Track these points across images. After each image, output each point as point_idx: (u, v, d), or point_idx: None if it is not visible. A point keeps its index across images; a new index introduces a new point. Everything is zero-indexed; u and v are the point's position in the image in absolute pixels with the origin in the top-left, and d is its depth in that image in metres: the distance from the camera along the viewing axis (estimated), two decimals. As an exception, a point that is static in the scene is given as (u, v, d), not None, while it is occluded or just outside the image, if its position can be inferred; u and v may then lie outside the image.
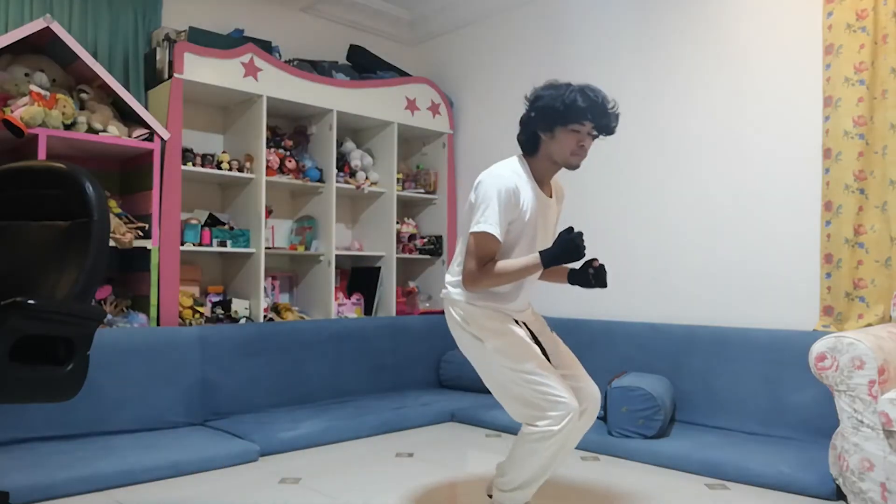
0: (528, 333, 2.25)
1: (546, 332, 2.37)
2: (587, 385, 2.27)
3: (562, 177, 2.46)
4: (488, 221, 2.08)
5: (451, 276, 2.28)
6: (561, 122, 2.09)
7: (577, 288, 2.22)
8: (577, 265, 2.21)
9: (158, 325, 3.52)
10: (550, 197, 2.28)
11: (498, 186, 2.10)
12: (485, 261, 2.10)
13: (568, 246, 2.03)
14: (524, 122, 2.21)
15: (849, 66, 3.11)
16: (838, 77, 3.14)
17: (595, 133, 2.14)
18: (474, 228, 2.10)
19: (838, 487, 2.46)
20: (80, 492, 2.51)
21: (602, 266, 2.14)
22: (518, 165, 2.20)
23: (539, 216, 2.19)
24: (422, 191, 4.90)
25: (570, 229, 2.05)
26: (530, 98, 2.20)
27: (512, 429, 3.55)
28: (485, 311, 2.18)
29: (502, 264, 2.10)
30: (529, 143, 2.21)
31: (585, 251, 2.04)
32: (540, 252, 2.07)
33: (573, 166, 2.17)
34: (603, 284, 2.13)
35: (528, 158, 2.23)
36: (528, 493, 2.21)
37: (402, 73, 4.87)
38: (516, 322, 2.23)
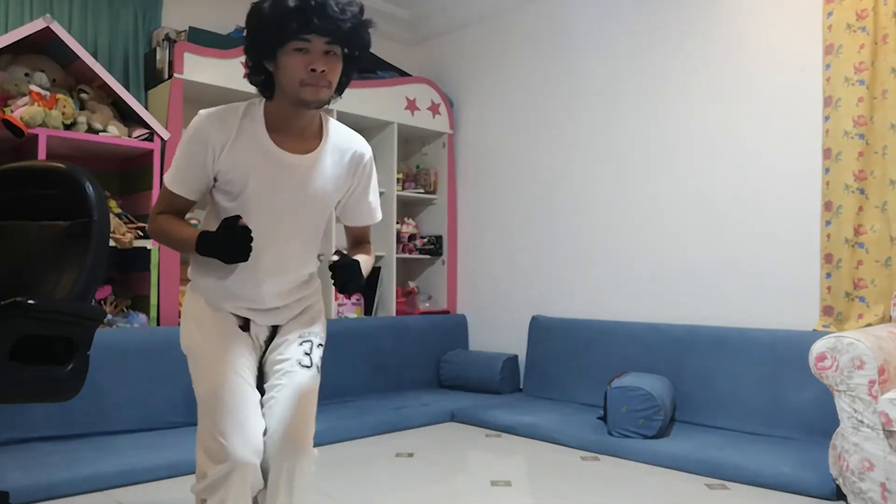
0: (260, 342, 1.73)
1: (294, 346, 1.71)
2: (284, 423, 1.57)
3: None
4: (170, 168, 1.64)
5: None
6: (278, 40, 1.51)
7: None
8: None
9: (158, 325, 3.52)
10: (306, 154, 1.65)
11: (189, 131, 1.61)
12: (163, 210, 1.67)
13: (222, 236, 1.50)
14: (245, 52, 1.65)
15: (849, 66, 3.11)
16: (838, 77, 3.14)
17: (337, 50, 1.55)
18: (167, 172, 1.67)
19: (838, 487, 2.46)
20: (80, 492, 2.51)
21: (340, 263, 1.56)
22: (240, 108, 1.65)
23: (263, 176, 1.61)
24: (422, 191, 4.90)
25: (237, 217, 1.50)
26: (246, 18, 1.59)
27: (512, 428, 3.56)
28: (197, 300, 1.70)
29: (166, 225, 1.65)
30: (261, 82, 1.64)
31: (247, 254, 1.50)
32: (201, 233, 1.55)
33: (308, 103, 1.56)
34: (342, 286, 1.56)
35: (268, 103, 1.65)
36: None
37: (402, 73, 4.87)
38: (239, 320, 1.70)
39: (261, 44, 1.56)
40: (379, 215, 1.95)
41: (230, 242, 1.49)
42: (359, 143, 1.79)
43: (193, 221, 3.87)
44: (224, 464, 1.49)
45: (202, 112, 1.62)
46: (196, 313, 1.70)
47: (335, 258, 1.57)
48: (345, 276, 1.56)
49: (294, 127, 1.64)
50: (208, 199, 1.73)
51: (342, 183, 1.75)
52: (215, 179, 1.64)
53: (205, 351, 1.64)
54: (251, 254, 1.51)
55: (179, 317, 1.77)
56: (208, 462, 1.52)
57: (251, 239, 1.49)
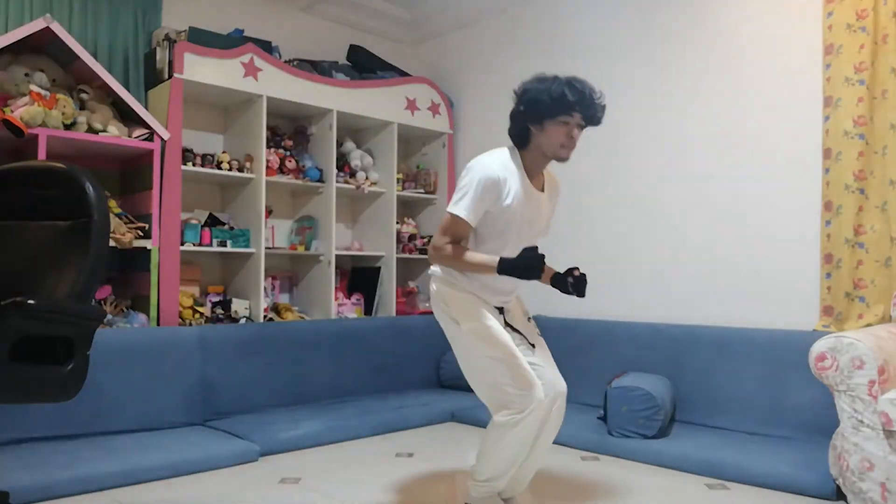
0: (504, 322, 2.30)
1: (523, 322, 2.40)
2: (555, 379, 2.28)
3: (561, 173, 2.46)
4: (463, 206, 2.12)
5: None
6: (550, 114, 2.12)
7: None
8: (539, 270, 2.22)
9: (158, 325, 3.52)
10: (542, 191, 2.29)
11: (481, 175, 2.13)
12: (452, 240, 2.16)
13: (525, 264, 2.06)
14: (514, 115, 2.22)
15: (849, 66, 3.11)
16: (838, 77, 3.15)
17: (583, 124, 2.17)
18: (450, 209, 2.15)
19: (838, 487, 2.46)
20: (80, 492, 2.51)
21: (583, 276, 2.16)
22: (508, 157, 2.21)
23: (526, 209, 2.20)
24: (422, 191, 4.90)
25: (535, 248, 2.07)
26: (518, 92, 2.20)
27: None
28: (461, 294, 2.23)
29: (465, 253, 2.15)
30: (520, 137, 2.22)
31: (540, 275, 2.06)
32: (501, 258, 2.09)
33: (563, 158, 2.19)
34: (581, 294, 2.15)
35: (520, 151, 2.23)
36: (498, 485, 2.25)
37: (402, 73, 4.87)
38: (495, 309, 2.28)
39: (533, 114, 2.14)
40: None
41: (533, 265, 2.04)
42: (557, 180, 2.43)
43: (194, 221, 3.87)
44: (529, 401, 2.09)
45: (492, 162, 2.16)
46: (465, 302, 2.21)
47: (578, 273, 2.15)
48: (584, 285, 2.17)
49: (539, 172, 2.27)
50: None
51: (551, 207, 2.41)
52: (487, 211, 2.16)
53: (486, 326, 2.17)
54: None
55: (435, 303, 2.32)
56: (505, 400, 2.12)
57: (544, 264, 2.05)
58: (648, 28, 3.93)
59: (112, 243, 3.29)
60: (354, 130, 4.81)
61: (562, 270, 2.22)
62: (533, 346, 2.34)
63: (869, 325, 2.98)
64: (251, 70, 3.92)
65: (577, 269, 2.16)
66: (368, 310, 4.55)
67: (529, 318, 2.44)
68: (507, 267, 2.07)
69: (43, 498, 2.42)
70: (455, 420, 3.86)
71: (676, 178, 3.79)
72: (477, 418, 3.75)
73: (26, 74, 3.31)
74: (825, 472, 2.53)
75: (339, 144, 4.55)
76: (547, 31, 4.46)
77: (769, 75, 3.44)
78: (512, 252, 2.15)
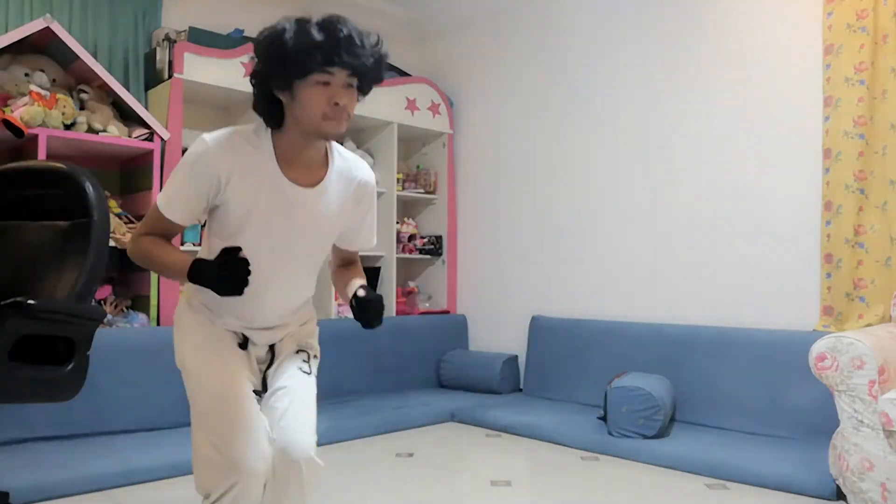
0: (246, 357, 1.67)
1: (290, 365, 1.70)
2: (293, 440, 1.54)
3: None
4: (163, 192, 1.58)
5: None
6: (299, 72, 1.46)
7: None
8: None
9: (158, 325, 3.52)
10: (313, 186, 1.61)
11: (192, 156, 1.53)
12: (149, 231, 1.61)
13: (214, 271, 1.43)
14: (252, 80, 1.56)
15: (849, 66, 3.11)
16: (838, 77, 3.15)
17: (355, 83, 1.51)
18: (159, 195, 1.60)
19: (838, 487, 2.46)
20: (80, 492, 2.51)
21: (371, 297, 1.60)
22: (247, 136, 1.57)
23: (275, 209, 1.58)
24: (422, 191, 4.90)
25: (235, 249, 1.43)
26: (254, 45, 1.55)
27: (512, 428, 3.56)
28: (194, 315, 1.67)
29: (152, 247, 1.58)
30: (268, 111, 1.56)
31: (241, 288, 1.42)
32: (196, 259, 1.51)
33: (330, 134, 1.54)
34: (366, 323, 1.59)
35: (275, 132, 1.59)
36: None
37: (402, 73, 4.87)
38: (238, 337, 1.67)
39: (278, 74, 1.49)
40: (374, 240, 1.89)
41: (226, 275, 1.41)
42: (363, 171, 1.75)
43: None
44: (233, 475, 1.45)
45: (207, 138, 1.54)
46: (191, 326, 1.66)
47: (361, 293, 1.60)
48: (372, 312, 1.59)
49: (303, 157, 1.60)
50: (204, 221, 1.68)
51: (347, 212, 1.72)
52: (214, 207, 1.58)
53: (203, 362, 1.60)
54: (250, 285, 1.43)
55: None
56: (212, 477, 1.48)
57: (248, 272, 1.42)
58: (648, 28, 3.93)
59: (112, 243, 3.29)
60: (354, 130, 4.81)
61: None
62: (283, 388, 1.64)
63: (869, 325, 2.98)
64: (251, 70, 3.92)
65: (362, 286, 1.63)
66: (368, 310, 4.54)
67: (304, 354, 1.73)
68: (200, 271, 1.47)
69: (43, 498, 2.42)
70: (455, 420, 3.86)
71: (676, 177, 3.78)
72: (477, 418, 3.75)
73: (26, 74, 3.31)
74: (825, 472, 2.53)
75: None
76: (547, 30, 4.46)
77: (769, 75, 3.44)
78: (265, 262, 1.57)
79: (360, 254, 1.90)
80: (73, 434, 3.00)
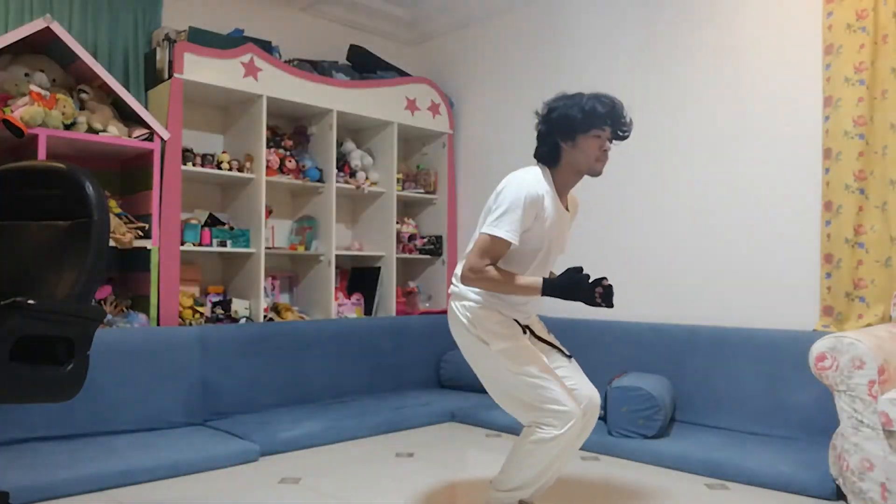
0: (533, 337, 2.31)
1: (546, 334, 2.40)
2: (587, 390, 2.27)
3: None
4: (505, 226, 2.07)
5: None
6: (583, 129, 2.12)
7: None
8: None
9: (158, 325, 3.52)
10: (567, 209, 2.29)
11: (523, 193, 2.08)
12: (490, 261, 2.10)
13: (573, 286, 2.04)
14: (542, 134, 2.20)
15: (849, 66, 3.11)
16: (838, 77, 3.14)
17: (612, 138, 2.19)
18: (490, 230, 2.08)
19: (838, 487, 2.46)
20: (80, 492, 2.51)
21: (610, 287, 2.08)
22: (541, 175, 2.18)
23: (555, 228, 2.19)
24: (422, 191, 4.90)
25: (580, 269, 2.05)
26: (545, 110, 2.20)
27: (512, 429, 3.55)
28: (492, 314, 2.19)
29: (505, 275, 2.09)
30: (550, 155, 2.19)
31: (588, 296, 2.04)
32: (544, 280, 2.08)
33: (597, 172, 2.19)
34: (610, 305, 2.08)
35: (550, 170, 2.21)
36: (523, 494, 2.23)
37: (402, 73, 4.87)
38: (521, 327, 2.25)
39: (564, 130, 2.13)
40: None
41: (578, 289, 2.04)
42: (577, 199, 2.41)
43: (194, 221, 3.87)
44: (564, 417, 2.08)
45: (530, 181, 2.12)
46: (494, 322, 2.18)
47: (607, 282, 2.09)
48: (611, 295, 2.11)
49: (567, 190, 2.26)
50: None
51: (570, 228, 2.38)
52: (525, 230, 2.12)
53: (518, 345, 2.17)
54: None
55: (455, 324, 2.27)
56: (543, 418, 2.10)
57: (589, 285, 2.04)
58: (649, 28, 3.93)
59: (112, 243, 3.29)
60: (354, 130, 4.81)
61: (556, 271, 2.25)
62: (569, 356, 2.35)
63: (869, 325, 2.98)
64: (251, 70, 3.92)
65: (605, 279, 2.09)
66: (368, 310, 4.55)
67: (549, 332, 2.43)
68: (552, 288, 2.06)
69: (43, 498, 2.42)
70: (455, 420, 3.86)
71: (676, 177, 3.78)
72: (477, 418, 3.75)
73: (26, 74, 3.31)
74: (825, 472, 2.53)
75: (339, 144, 4.55)
76: (547, 30, 4.46)
77: (769, 75, 3.44)
78: (535, 272, 2.18)
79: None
80: (73, 434, 3.00)
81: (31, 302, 1.67)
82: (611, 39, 4.10)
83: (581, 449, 3.18)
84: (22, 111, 3.08)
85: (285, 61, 4.21)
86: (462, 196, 4.94)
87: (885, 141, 3.04)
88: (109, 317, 3.44)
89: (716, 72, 3.64)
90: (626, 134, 2.21)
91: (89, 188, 1.96)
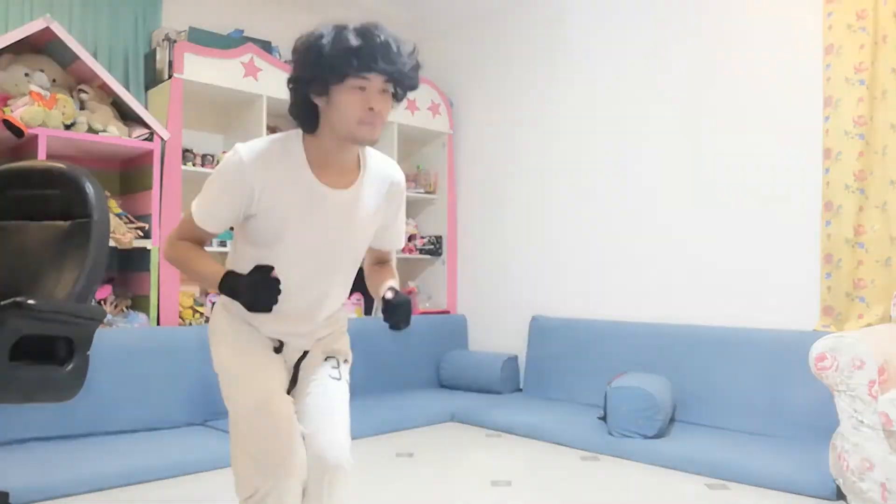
0: (281, 360, 1.69)
1: (317, 365, 1.71)
2: (326, 448, 1.56)
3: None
4: (196, 202, 1.60)
5: None
6: (334, 78, 1.48)
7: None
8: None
9: (158, 325, 3.52)
10: (347, 188, 1.63)
11: (231, 163, 1.53)
12: (187, 237, 1.62)
13: (246, 287, 1.47)
14: (289, 85, 1.59)
15: (849, 66, 3.11)
16: (838, 77, 3.14)
17: (391, 88, 1.56)
18: (193, 203, 1.62)
19: (838, 487, 2.46)
20: (80, 492, 2.51)
21: (399, 301, 1.61)
22: (279, 144, 1.57)
23: (311, 214, 1.58)
24: (422, 191, 4.90)
25: (267, 269, 1.47)
26: (294, 51, 1.59)
27: (512, 428, 3.56)
28: (230, 317, 1.67)
29: (188, 253, 1.60)
30: (304, 115, 1.57)
31: (270, 306, 1.45)
32: (227, 272, 1.52)
33: (364, 140, 1.57)
34: (394, 324, 1.61)
35: (308, 137, 1.60)
36: None
37: (402, 73, 4.87)
38: (268, 341, 1.67)
39: (315, 78, 1.51)
40: (403, 240, 1.90)
41: (259, 294, 1.45)
42: (395, 172, 1.79)
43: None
44: (273, 480, 1.48)
45: (241, 148, 1.54)
46: (229, 332, 1.66)
47: (389, 295, 1.60)
48: (400, 314, 1.59)
49: (337, 161, 1.61)
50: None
51: (381, 213, 1.73)
52: (249, 216, 1.58)
53: (242, 368, 1.61)
54: (288, 291, 1.49)
55: (208, 333, 1.75)
56: (254, 476, 1.51)
57: (279, 292, 1.46)
58: (648, 28, 3.93)
59: (112, 243, 3.29)
60: (354, 130, 4.80)
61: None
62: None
63: (869, 325, 2.98)
64: (251, 70, 3.92)
65: (391, 289, 1.63)
66: (368, 310, 4.55)
67: (334, 360, 1.74)
68: (231, 285, 1.49)
69: (43, 498, 2.41)
70: (455, 420, 3.86)
71: (676, 178, 3.78)
72: (477, 418, 3.75)
73: (26, 74, 3.31)
74: (825, 472, 2.53)
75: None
76: (547, 30, 4.46)
77: (769, 75, 3.44)
78: (302, 269, 1.60)
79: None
80: (73, 434, 3.00)
81: (31, 302, 1.67)
82: (610, 39, 4.10)
83: (581, 449, 3.21)
84: (22, 111, 3.07)
85: (285, 61, 4.21)
86: (462, 196, 4.94)
87: (885, 141, 3.04)
88: (109, 317, 3.43)
89: (716, 72, 3.64)
90: (409, 82, 1.58)
91: (89, 188, 1.96)
